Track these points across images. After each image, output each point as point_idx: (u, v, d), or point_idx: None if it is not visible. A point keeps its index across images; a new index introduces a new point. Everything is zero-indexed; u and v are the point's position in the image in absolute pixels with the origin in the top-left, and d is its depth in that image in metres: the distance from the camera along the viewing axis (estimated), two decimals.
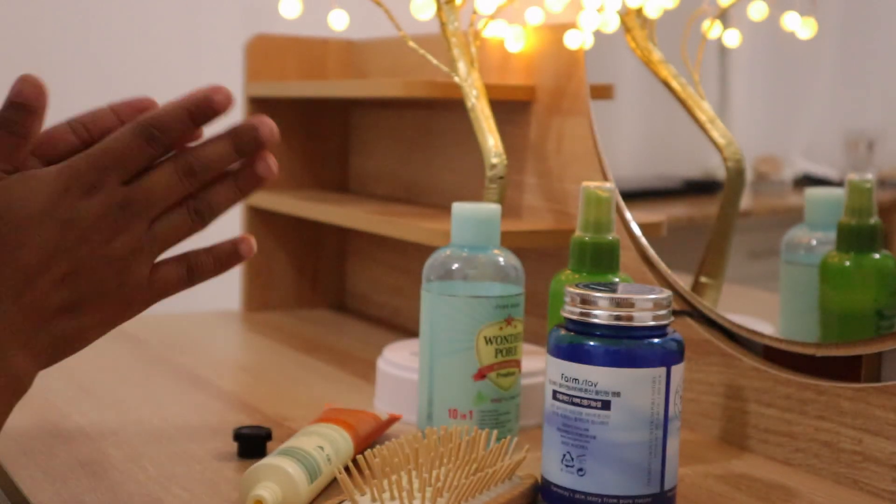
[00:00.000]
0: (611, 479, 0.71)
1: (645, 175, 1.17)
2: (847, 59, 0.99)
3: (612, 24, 1.04)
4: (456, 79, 1.04)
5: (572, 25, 1.05)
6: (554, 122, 1.12)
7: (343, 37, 1.46)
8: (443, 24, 1.04)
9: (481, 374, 0.88)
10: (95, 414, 0.96)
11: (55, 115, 0.67)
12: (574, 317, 0.73)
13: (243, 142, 0.64)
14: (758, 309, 1.00)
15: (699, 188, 1.14)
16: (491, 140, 1.02)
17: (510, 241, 1.03)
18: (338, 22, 1.15)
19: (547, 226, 1.12)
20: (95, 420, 0.94)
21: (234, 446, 0.87)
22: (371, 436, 0.86)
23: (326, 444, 0.78)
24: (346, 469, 0.76)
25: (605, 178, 1.04)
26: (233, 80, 1.57)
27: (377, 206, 1.31)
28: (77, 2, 1.90)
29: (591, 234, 0.86)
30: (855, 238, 0.90)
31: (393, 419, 0.90)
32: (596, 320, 0.72)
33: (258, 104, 1.45)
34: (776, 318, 0.97)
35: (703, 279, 1.04)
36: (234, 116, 0.65)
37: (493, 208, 0.89)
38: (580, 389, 0.71)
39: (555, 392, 0.73)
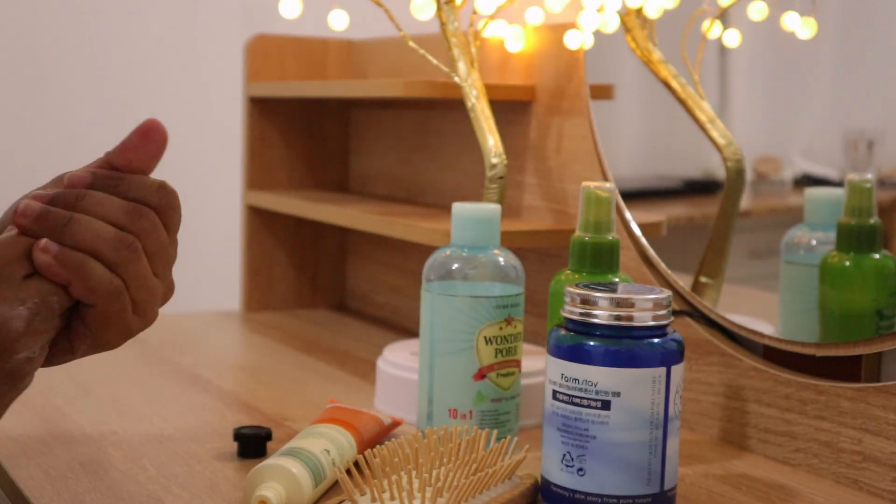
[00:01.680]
0: (611, 479, 0.71)
1: (645, 175, 1.17)
2: (847, 59, 0.99)
3: (612, 24, 1.04)
4: (456, 79, 1.04)
5: (572, 25, 1.05)
6: (554, 122, 1.12)
7: (343, 37, 1.46)
8: (443, 24, 1.04)
9: (481, 374, 0.88)
10: (95, 414, 0.96)
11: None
12: (574, 317, 0.73)
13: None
14: (758, 309, 1.00)
15: (699, 188, 1.14)
16: (491, 140, 1.02)
17: (510, 241, 1.03)
18: (338, 22, 1.15)
19: (547, 226, 1.12)
20: (95, 420, 0.94)
21: (234, 446, 0.87)
22: (374, 441, 0.86)
23: (332, 447, 0.78)
24: (346, 469, 0.76)
25: (605, 178, 1.04)
26: (233, 80, 1.57)
27: (377, 206, 1.31)
28: (77, 2, 1.90)
29: (591, 234, 0.85)
30: (855, 238, 0.90)
31: (395, 424, 0.90)
32: (596, 320, 0.72)
33: (258, 104, 1.45)
34: (776, 318, 0.97)
35: (703, 279, 1.04)
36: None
37: (493, 208, 0.89)
38: (580, 389, 0.71)
39: (555, 392, 0.73)
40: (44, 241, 0.60)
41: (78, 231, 0.61)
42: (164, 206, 0.64)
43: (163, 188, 0.64)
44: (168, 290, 0.66)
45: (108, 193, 0.63)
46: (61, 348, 0.64)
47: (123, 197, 0.63)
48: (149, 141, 0.63)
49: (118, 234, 0.62)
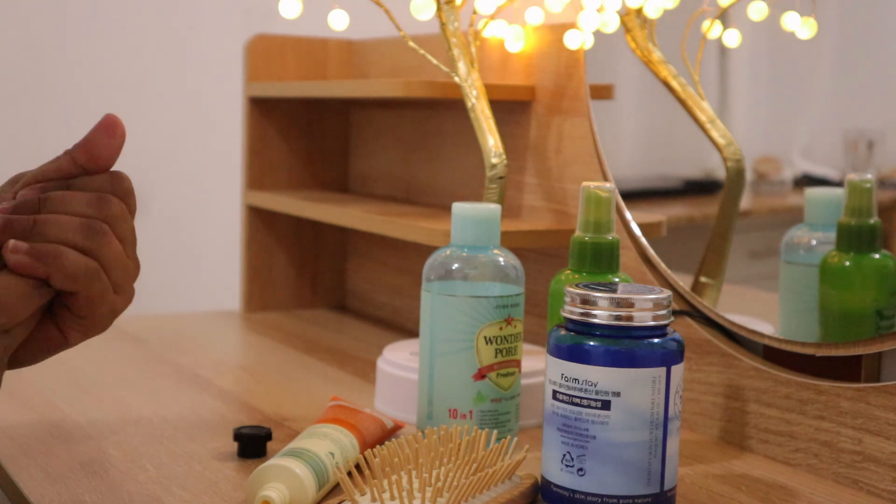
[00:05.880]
0: (611, 479, 0.71)
1: (645, 175, 1.17)
2: (847, 59, 0.99)
3: (612, 25, 1.04)
4: (456, 79, 1.04)
5: (572, 25, 1.05)
6: (554, 122, 1.12)
7: (343, 37, 1.46)
8: (443, 25, 1.04)
9: (481, 374, 0.88)
10: (95, 414, 0.96)
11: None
12: (574, 317, 0.73)
13: None
14: (758, 309, 1.00)
15: (699, 188, 1.14)
16: (491, 140, 1.02)
17: (510, 241, 1.03)
18: (338, 22, 1.15)
19: (547, 226, 1.12)
20: (95, 420, 0.94)
21: (234, 446, 0.87)
22: (376, 444, 0.85)
23: (337, 450, 0.78)
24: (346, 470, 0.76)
25: (605, 178, 1.04)
26: (233, 80, 1.57)
27: (377, 206, 1.31)
28: (77, 2, 1.91)
29: (591, 234, 0.86)
30: (855, 238, 0.90)
31: (397, 427, 0.90)
32: (596, 320, 0.72)
33: (258, 104, 1.45)
34: (776, 318, 0.97)
35: (703, 279, 1.04)
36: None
37: (493, 208, 0.89)
38: (580, 389, 0.71)
39: (555, 392, 0.73)
40: (11, 242, 0.61)
41: (45, 229, 0.62)
42: (123, 192, 0.65)
43: (116, 176, 0.66)
44: (137, 269, 0.67)
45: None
46: (55, 341, 0.66)
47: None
48: (114, 135, 0.65)
49: (85, 222, 0.63)
